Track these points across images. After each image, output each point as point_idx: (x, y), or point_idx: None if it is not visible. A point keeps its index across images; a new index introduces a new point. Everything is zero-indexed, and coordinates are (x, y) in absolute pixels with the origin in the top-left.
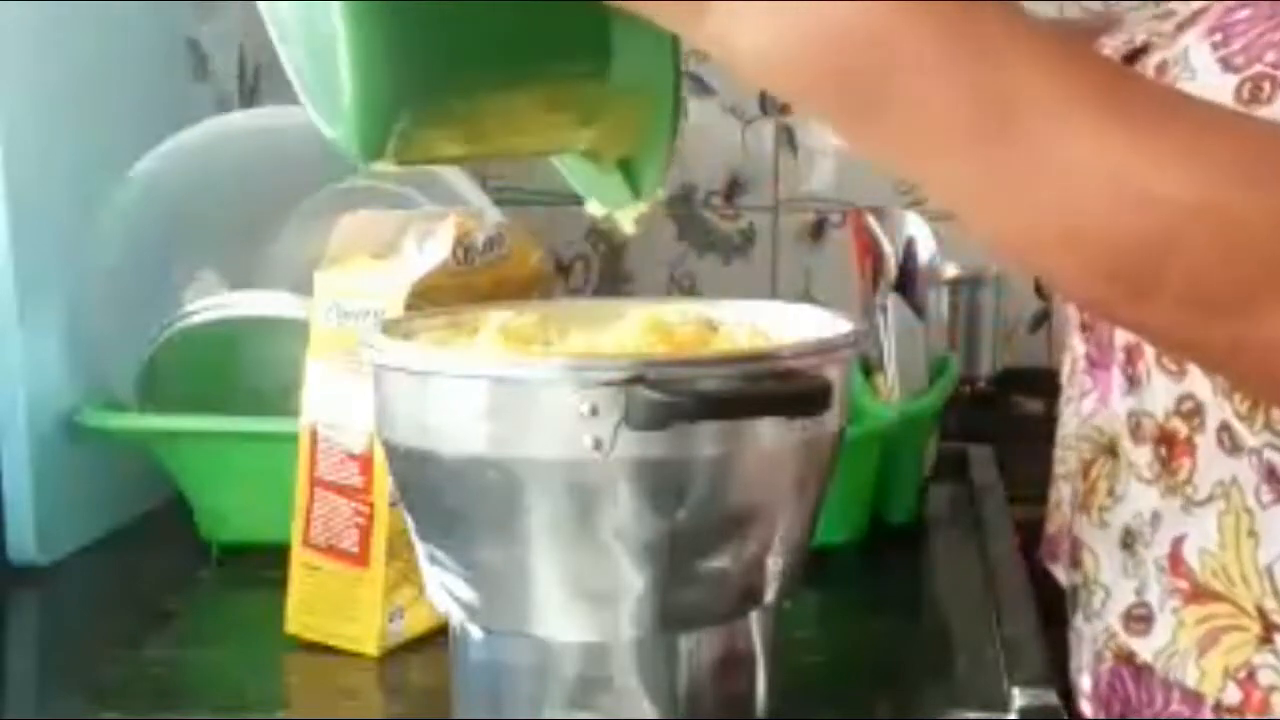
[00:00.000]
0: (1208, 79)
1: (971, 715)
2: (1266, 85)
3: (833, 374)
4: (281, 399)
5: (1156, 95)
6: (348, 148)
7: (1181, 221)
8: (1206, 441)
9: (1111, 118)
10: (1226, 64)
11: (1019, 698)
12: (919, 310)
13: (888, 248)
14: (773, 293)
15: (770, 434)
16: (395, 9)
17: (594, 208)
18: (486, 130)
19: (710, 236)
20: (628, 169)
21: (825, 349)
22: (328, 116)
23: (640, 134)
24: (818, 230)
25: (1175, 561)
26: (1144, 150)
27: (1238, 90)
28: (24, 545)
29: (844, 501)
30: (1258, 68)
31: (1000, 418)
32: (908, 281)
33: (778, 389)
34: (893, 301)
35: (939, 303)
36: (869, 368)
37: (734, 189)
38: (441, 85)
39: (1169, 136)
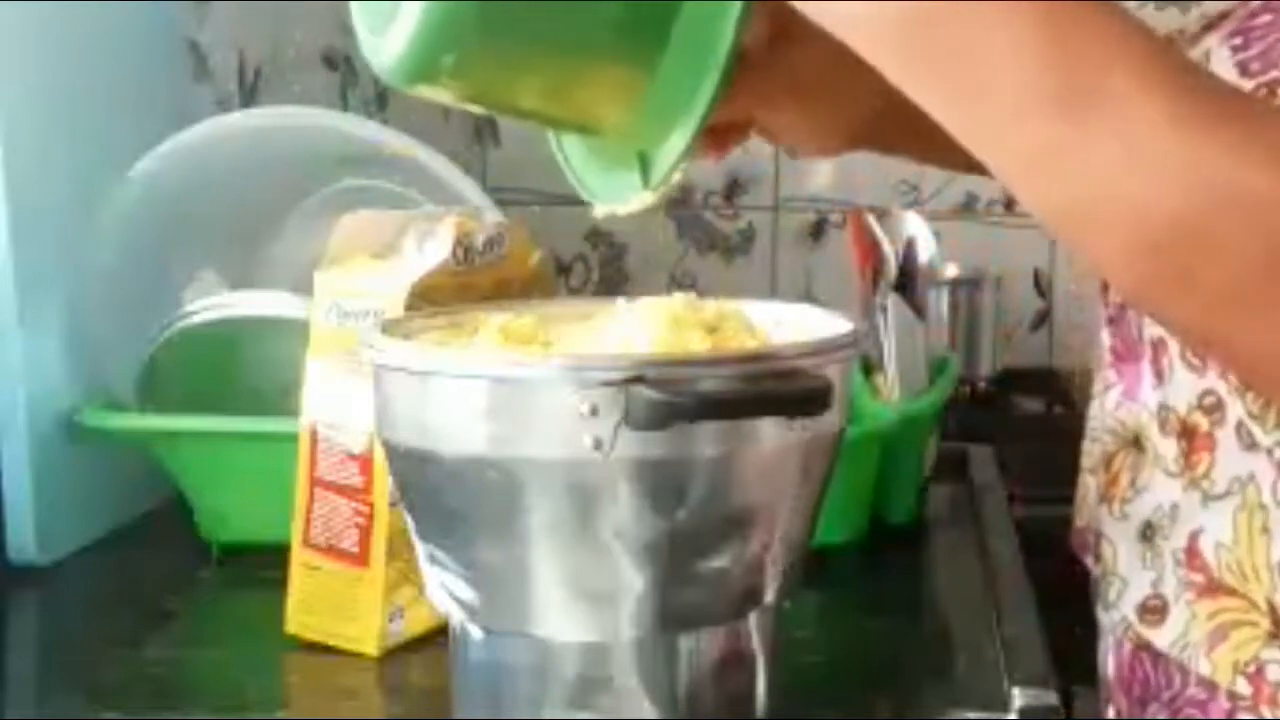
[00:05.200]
0: None
1: (971, 715)
2: None
3: (833, 374)
4: (281, 399)
5: (1220, 88)
6: (390, 63)
7: (1237, 212)
8: (1226, 436)
9: (1184, 106)
10: (1244, 68)
11: (1019, 698)
12: (919, 310)
13: (888, 248)
14: (773, 293)
15: (770, 434)
16: None
17: (600, 210)
18: (528, 86)
19: (710, 236)
20: (643, 159)
21: (825, 349)
22: (373, 25)
23: (670, 123)
24: (818, 230)
25: (1191, 555)
26: (1210, 141)
27: (1252, 95)
28: (24, 545)
29: (844, 501)
30: (1273, 73)
31: (1000, 418)
32: (908, 281)
33: (778, 389)
34: (893, 301)
35: (939, 303)
36: (869, 368)
37: (734, 189)
38: (507, 27)
39: (1233, 130)
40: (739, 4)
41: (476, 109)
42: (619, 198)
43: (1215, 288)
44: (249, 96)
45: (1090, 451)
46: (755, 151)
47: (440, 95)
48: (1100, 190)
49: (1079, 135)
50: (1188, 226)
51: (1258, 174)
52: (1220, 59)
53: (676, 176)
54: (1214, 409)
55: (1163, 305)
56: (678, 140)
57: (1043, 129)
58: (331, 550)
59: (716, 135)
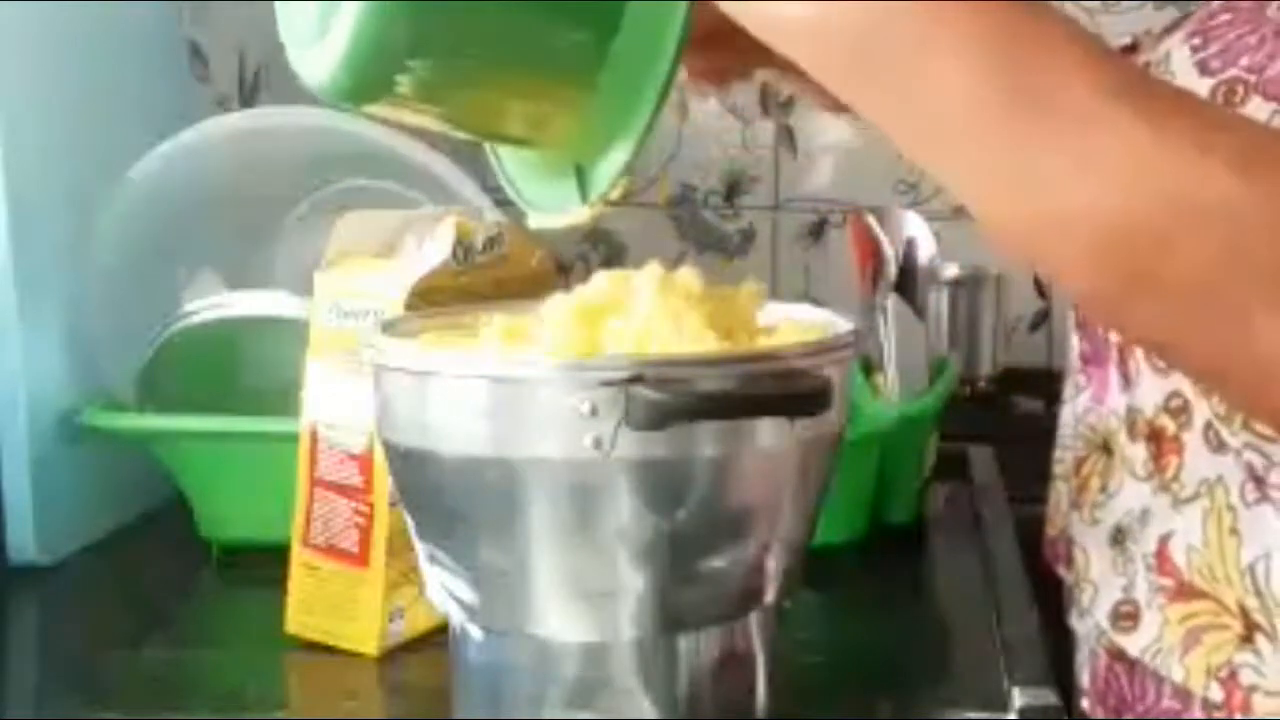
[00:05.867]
0: (1186, 81)
1: (971, 715)
2: (1240, 89)
3: (833, 374)
4: (281, 399)
5: (1171, 92)
6: (328, 82)
7: (1192, 215)
8: (1193, 439)
9: (1135, 111)
10: (1204, 67)
11: (1019, 698)
12: (919, 310)
13: (888, 248)
14: (773, 293)
15: (770, 434)
16: None
17: (534, 220)
18: (464, 101)
19: (710, 236)
20: (580, 172)
21: (825, 349)
22: (305, 39)
23: (609, 137)
24: (818, 230)
25: (1162, 559)
26: (1164, 145)
27: (1212, 94)
28: (24, 545)
29: (844, 501)
30: (1232, 71)
31: (1000, 418)
32: (908, 281)
33: (778, 389)
34: (893, 301)
35: (939, 303)
36: (869, 368)
37: (734, 189)
38: (446, 45)
39: (1185, 133)
40: (680, 23)
41: (413, 123)
42: (555, 208)
43: (1171, 293)
44: (249, 96)
45: (1061, 459)
46: (755, 151)
47: (382, 112)
48: (1053, 198)
49: (1029, 143)
50: (1142, 231)
51: (1211, 176)
52: (1180, 59)
53: (615, 192)
54: (1181, 411)
55: (1120, 312)
56: (617, 156)
57: (991, 138)
58: (331, 550)
59: (719, 72)
